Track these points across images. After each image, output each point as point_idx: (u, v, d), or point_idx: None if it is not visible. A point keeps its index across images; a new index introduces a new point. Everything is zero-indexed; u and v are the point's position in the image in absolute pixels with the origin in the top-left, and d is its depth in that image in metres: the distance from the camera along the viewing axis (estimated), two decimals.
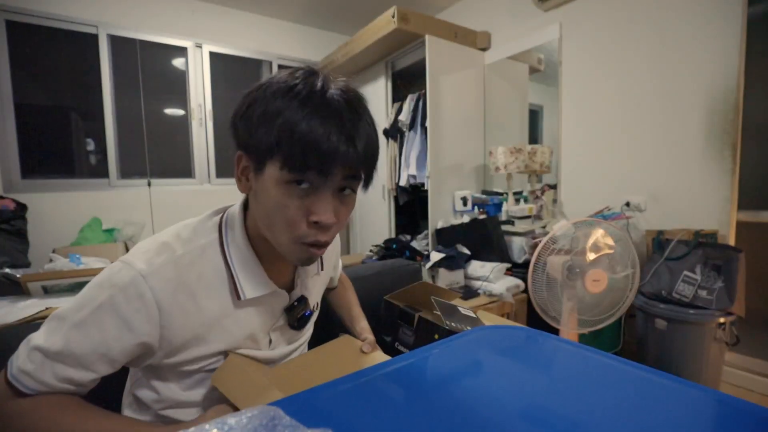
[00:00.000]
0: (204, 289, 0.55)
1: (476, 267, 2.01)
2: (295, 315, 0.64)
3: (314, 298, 0.71)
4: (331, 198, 0.51)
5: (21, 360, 0.49)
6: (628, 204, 2.01)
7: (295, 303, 0.65)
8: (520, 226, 2.14)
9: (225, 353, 0.59)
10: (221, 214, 0.61)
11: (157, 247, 0.54)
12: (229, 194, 2.87)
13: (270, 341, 0.63)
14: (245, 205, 0.60)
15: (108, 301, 0.49)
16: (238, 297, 0.57)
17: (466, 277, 2.03)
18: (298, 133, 0.47)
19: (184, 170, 2.95)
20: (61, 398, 0.50)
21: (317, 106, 0.48)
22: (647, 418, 0.38)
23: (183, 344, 0.54)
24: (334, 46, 3.13)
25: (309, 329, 0.74)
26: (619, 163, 2.07)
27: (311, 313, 0.67)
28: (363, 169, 0.53)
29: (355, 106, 0.51)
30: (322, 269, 0.72)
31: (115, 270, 0.51)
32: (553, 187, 2.44)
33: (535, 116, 2.79)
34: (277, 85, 0.50)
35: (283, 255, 0.55)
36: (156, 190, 2.72)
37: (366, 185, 0.56)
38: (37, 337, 0.50)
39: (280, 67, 3.31)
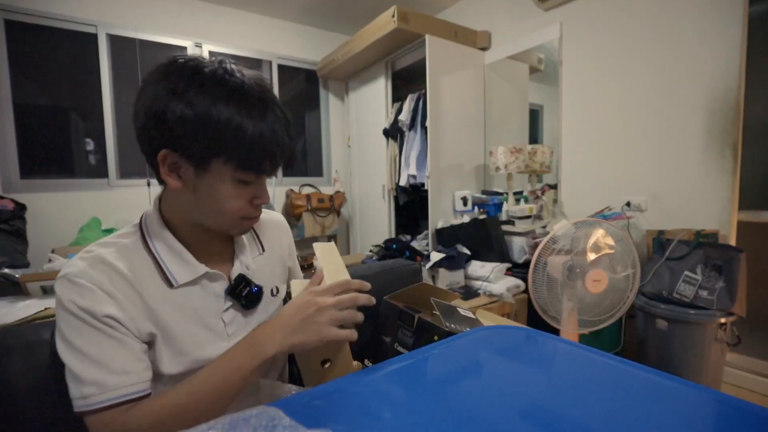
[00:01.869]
0: (138, 280, 0.56)
1: (476, 267, 2.01)
2: (238, 293, 0.64)
3: (267, 281, 0.71)
4: (265, 182, 0.61)
5: (77, 392, 0.50)
6: (628, 204, 2.01)
7: (234, 282, 0.65)
8: (521, 226, 2.14)
9: (183, 356, 0.58)
10: (140, 218, 0.63)
11: (79, 256, 0.56)
12: None
13: (224, 324, 0.63)
14: (160, 202, 0.63)
15: (73, 310, 0.51)
16: (171, 285, 0.58)
17: (467, 277, 2.03)
18: (250, 139, 0.51)
19: None
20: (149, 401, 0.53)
21: (254, 105, 0.52)
22: (648, 418, 0.38)
23: (147, 337, 0.56)
24: (334, 46, 3.13)
25: (272, 309, 0.73)
26: (619, 163, 2.07)
27: (259, 289, 0.66)
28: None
29: (274, 98, 0.56)
30: (263, 249, 0.73)
31: (58, 291, 0.52)
32: (554, 187, 2.44)
33: (535, 116, 2.78)
34: (198, 82, 0.50)
35: (221, 230, 0.61)
36: (155, 190, 2.68)
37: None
38: (68, 371, 0.51)
39: (280, 66, 3.32)
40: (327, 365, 0.60)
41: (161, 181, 0.58)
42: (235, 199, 0.56)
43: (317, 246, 0.71)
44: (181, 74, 0.51)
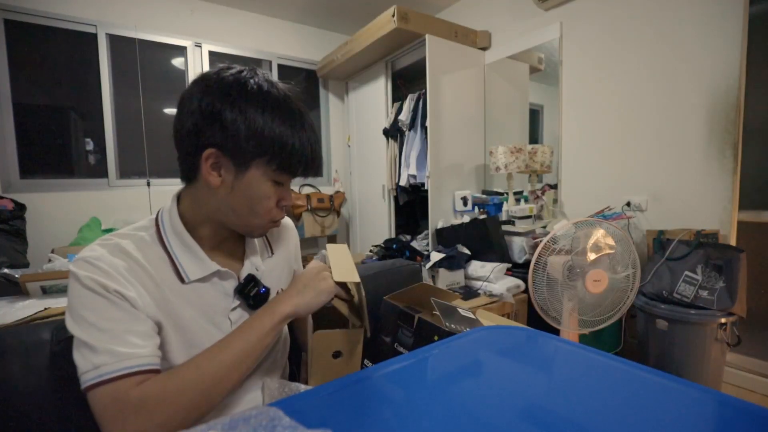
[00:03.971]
0: (154, 270, 0.58)
1: (476, 267, 2.00)
2: (247, 293, 0.65)
3: (275, 283, 0.72)
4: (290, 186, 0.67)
5: (88, 364, 0.49)
6: (628, 204, 2.01)
7: (243, 281, 0.66)
8: (521, 226, 2.14)
9: (186, 348, 0.59)
10: (156, 213, 0.65)
11: (98, 243, 0.57)
12: None
13: (231, 323, 0.64)
14: (178, 199, 0.65)
15: (90, 285, 0.51)
16: (183, 281, 0.59)
17: (467, 277, 2.03)
18: (290, 146, 0.59)
19: None
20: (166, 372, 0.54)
21: (295, 116, 0.59)
22: (648, 418, 0.38)
23: (157, 324, 0.56)
24: (334, 46, 3.12)
25: None
26: (619, 163, 2.07)
27: (267, 291, 0.68)
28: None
29: (305, 108, 0.63)
30: (272, 252, 0.76)
31: (74, 270, 0.52)
32: (554, 186, 2.44)
33: (535, 116, 2.78)
34: (249, 93, 0.57)
35: (244, 230, 0.64)
36: (155, 190, 2.71)
37: None
38: (79, 345, 0.50)
39: (280, 66, 3.31)
40: (338, 358, 0.62)
41: (187, 180, 0.62)
42: (268, 200, 0.61)
43: (330, 247, 0.75)
44: (232, 84, 0.57)
